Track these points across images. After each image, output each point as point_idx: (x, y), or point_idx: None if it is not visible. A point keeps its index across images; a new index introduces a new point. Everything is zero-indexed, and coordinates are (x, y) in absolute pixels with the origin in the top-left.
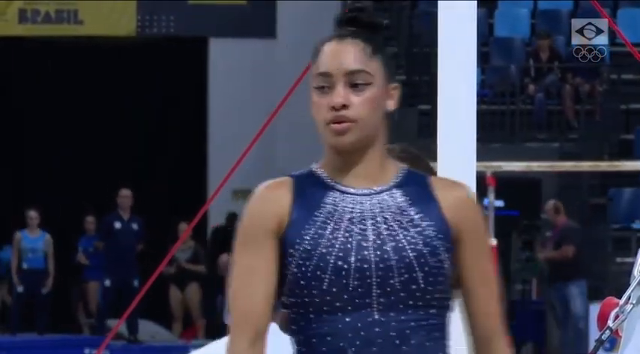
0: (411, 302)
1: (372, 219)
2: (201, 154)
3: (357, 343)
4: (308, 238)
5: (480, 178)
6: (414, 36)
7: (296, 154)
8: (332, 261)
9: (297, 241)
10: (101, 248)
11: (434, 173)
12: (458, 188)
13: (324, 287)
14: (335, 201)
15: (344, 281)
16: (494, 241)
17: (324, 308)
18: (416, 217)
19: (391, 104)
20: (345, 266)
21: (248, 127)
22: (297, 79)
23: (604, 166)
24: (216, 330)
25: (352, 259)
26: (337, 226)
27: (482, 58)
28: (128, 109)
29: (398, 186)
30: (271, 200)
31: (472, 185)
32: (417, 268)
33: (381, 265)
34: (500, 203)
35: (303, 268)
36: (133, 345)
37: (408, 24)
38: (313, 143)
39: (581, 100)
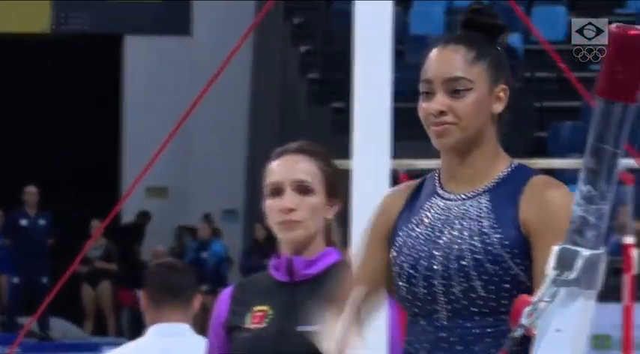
0: (474, 309)
1: (451, 226)
2: (116, 152)
3: (426, 346)
4: (397, 245)
5: (394, 176)
6: (328, 34)
7: (212, 153)
8: (406, 268)
9: (392, 247)
10: (8, 245)
11: (336, 170)
12: (549, 189)
13: (403, 294)
14: (429, 207)
15: (414, 289)
16: None
17: (408, 312)
18: (486, 224)
19: (498, 107)
20: (415, 274)
21: (163, 125)
22: (213, 77)
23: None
24: (127, 327)
25: (421, 268)
26: (419, 233)
27: (398, 56)
28: (43, 106)
29: (490, 189)
30: (386, 204)
31: (386, 182)
32: (475, 277)
33: (444, 274)
34: None
35: (393, 274)
36: (44, 342)
37: (323, 22)
38: (229, 141)
39: None
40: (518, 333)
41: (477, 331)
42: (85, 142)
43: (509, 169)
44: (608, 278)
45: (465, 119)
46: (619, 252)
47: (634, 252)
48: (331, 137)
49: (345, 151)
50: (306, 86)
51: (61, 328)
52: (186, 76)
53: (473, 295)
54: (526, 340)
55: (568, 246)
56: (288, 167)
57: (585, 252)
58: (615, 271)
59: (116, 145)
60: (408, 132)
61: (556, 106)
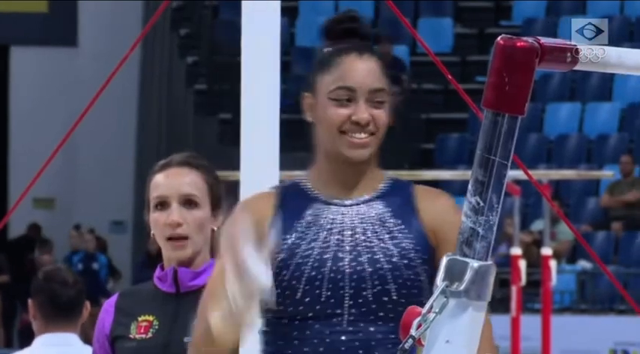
0: (382, 314)
1: (351, 230)
2: (2, 163)
3: (321, 349)
4: (285, 248)
5: None
6: (215, 44)
7: (97, 163)
8: (307, 271)
9: (277, 251)
10: None
11: (219, 181)
12: (440, 197)
13: (298, 297)
14: (317, 212)
15: (317, 291)
16: None
17: (297, 317)
18: (395, 229)
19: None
20: (319, 276)
21: (50, 136)
22: (100, 88)
23: (404, 175)
24: (17, 339)
25: (326, 269)
26: (315, 237)
27: (284, 68)
28: None
29: (381, 196)
30: (252, 211)
31: None
32: (391, 280)
33: (354, 276)
34: None
35: (279, 278)
36: None
37: (209, 32)
38: (117, 152)
39: None
40: (407, 344)
41: (380, 336)
42: None
43: (389, 178)
44: (496, 290)
45: (381, 130)
46: (507, 263)
47: (521, 263)
48: (219, 148)
49: (232, 163)
50: (193, 97)
51: None
52: (73, 87)
53: (385, 298)
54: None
55: (457, 257)
56: (174, 181)
57: (474, 263)
58: (503, 283)
59: (3, 156)
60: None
61: (443, 117)
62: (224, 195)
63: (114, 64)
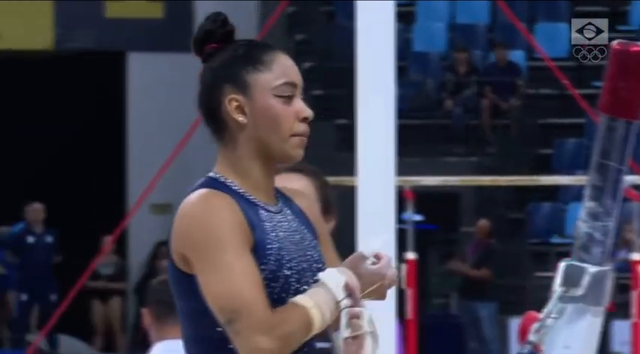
0: None
1: (295, 238)
2: (120, 168)
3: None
4: (272, 258)
5: (399, 192)
6: (330, 50)
7: (211, 169)
8: (293, 283)
9: (264, 260)
10: (15, 262)
11: (329, 186)
12: (302, 193)
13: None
14: (267, 219)
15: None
16: (412, 255)
17: None
18: (308, 235)
19: None
20: (301, 289)
21: (166, 142)
22: None
23: (522, 180)
24: (140, 345)
25: (304, 281)
26: (286, 247)
27: (400, 73)
28: (47, 123)
29: (282, 203)
30: (236, 211)
31: (391, 199)
32: None
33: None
34: (418, 217)
35: (269, 289)
36: None
37: (324, 38)
38: None
39: (498, 115)
40: (526, 349)
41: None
42: (89, 159)
43: None
44: (615, 295)
45: None
46: (627, 269)
47: None
48: (335, 154)
49: (349, 168)
50: (309, 102)
51: (69, 345)
52: (189, 93)
53: None
54: None
55: (574, 262)
56: (283, 186)
57: (592, 268)
58: (623, 288)
59: (121, 163)
60: (411, 149)
61: (560, 122)
62: (334, 200)
63: None
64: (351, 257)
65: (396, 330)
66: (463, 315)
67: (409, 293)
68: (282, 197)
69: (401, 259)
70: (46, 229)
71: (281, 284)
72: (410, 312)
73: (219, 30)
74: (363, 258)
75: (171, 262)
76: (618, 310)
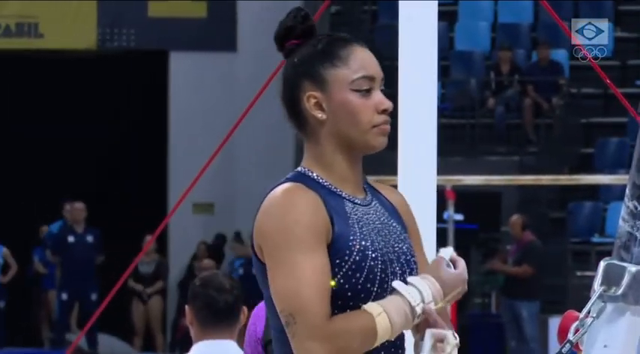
0: None
1: (383, 230)
2: (162, 167)
3: (382, 353)
4: (356, 250)
5: (440, 192)
6: (374, 49)
7: (254, 168)
8: (378, 274)
9: (347, 252)
10: (56, 262)
11: None
12: (397, 192)
13: (372, 299)
14: (353, 211)
15: (384, 294)
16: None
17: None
18: (398, 228)
19: None
20: (387, 279)
21: (208, 141)
22: (258, 93)
23: (564, 179)
24: (179, 344)
25: (389, 271)
26: (370, 238)
27: (443, 72)
28: (89, 123)
29: (371, 196)
30: (318, 207)
31: (432, 198)
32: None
33: (402, 278)
34: (459, 216)
35: (353, 280)
36: None
37: (368, 37)
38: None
39: (541, 114)
40: (565, 349)
41: (402, 334)
42: (132, 158)
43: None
44: None
45: None
46: None
47: None
48: (377, 153)
49: (390, 167)
50: None
51: (109, 344)
52: (232, 92)
53: None
54: None
55: (615, 262)
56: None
57: (632, 267)
58: None
59: (163, 161)
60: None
61: (602, 121)
62: None
63: (272, 68)
64: (432, 262)
65: None
66: (504, 314)
67: None
68: (372, 190)
69: None
70: (87, 228)
71: (365, 275)
72: (449, 311)
73: (299, 26)
74: (443, 262)
75: (254, 252)
76: None
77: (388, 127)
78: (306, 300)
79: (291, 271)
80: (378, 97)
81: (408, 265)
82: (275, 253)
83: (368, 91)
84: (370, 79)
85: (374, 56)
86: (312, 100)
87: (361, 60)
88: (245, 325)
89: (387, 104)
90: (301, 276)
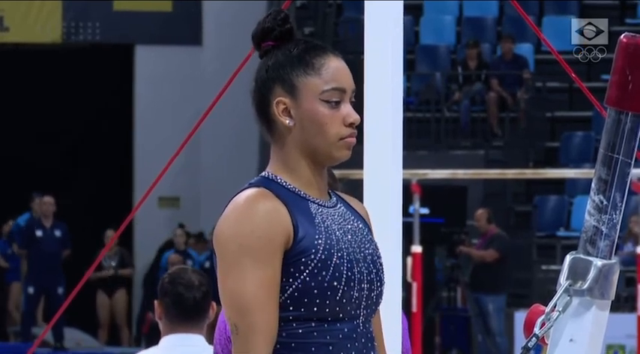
0: (372, 315)
1: (349, 231)
2: (127, 162)
3: (353, 353)
4: (321, 248)
5: (406, 186)
6: (339, 42)
7: (220, 162)
8: (344, 271)
9: (313, 250)
10: (23, 256)
11: (335, 180)
12: (362, 204)
13: (338, 297)
14: (318, 212)
15: (351, 292)
16: (419, 249)
17: (329, 318)
18: (365, 230)
19: None
20: (353, 277)
21: (174, 135)
22: (223, 88)
23: (529, 173)
24: (145, 337)
25: (356, 270)
26: (335, 237)
27: (408, 66)
28: (53, 116)
29: (337, 200)
30: (277, 217)
31: (398, 193)
32: (383, 282)
33: (369, 278)
34: (425, 210)
35: (319, 278)
36: (58, 352)
37: (332, 30)
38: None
39: (506, 108)
40: (531, 343)
41: (370, 335)
42: (97, 152)
43: None
44: (622, 288)
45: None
46: (633, 262)
47: None
48: None
49: (356, 161)
50: None
51: (75, 338)
52: (197, 86)
53: (380, 300)
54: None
55: (581, 256)
56: None
57: (598, 262)
58: (629, 281)
59: (128, 155)
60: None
61: (567, 115)
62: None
63: (237, 63)
64: None
65: (402, 323)
66: (470, 308)
67: (415, 286)
68: (337, 196)
69: (407, 252)
70: (55, 222)
71: (332, 273)
72: (415, 305)
73: (277, 28)
74: None
75: (213, 252)
76: (624, 303)
77: (354, 140)
78: (249, 317)
79: (238, 280)
80: (347, 109)
81: (375, 266)
82: (226, 259)
83: (337, 103)
84: (341, 91)
85: (348, 67)
86: (281, 106)
87: (334, 70)
88: (215, 321)
89: (355, 117)
90: (246, 290)
